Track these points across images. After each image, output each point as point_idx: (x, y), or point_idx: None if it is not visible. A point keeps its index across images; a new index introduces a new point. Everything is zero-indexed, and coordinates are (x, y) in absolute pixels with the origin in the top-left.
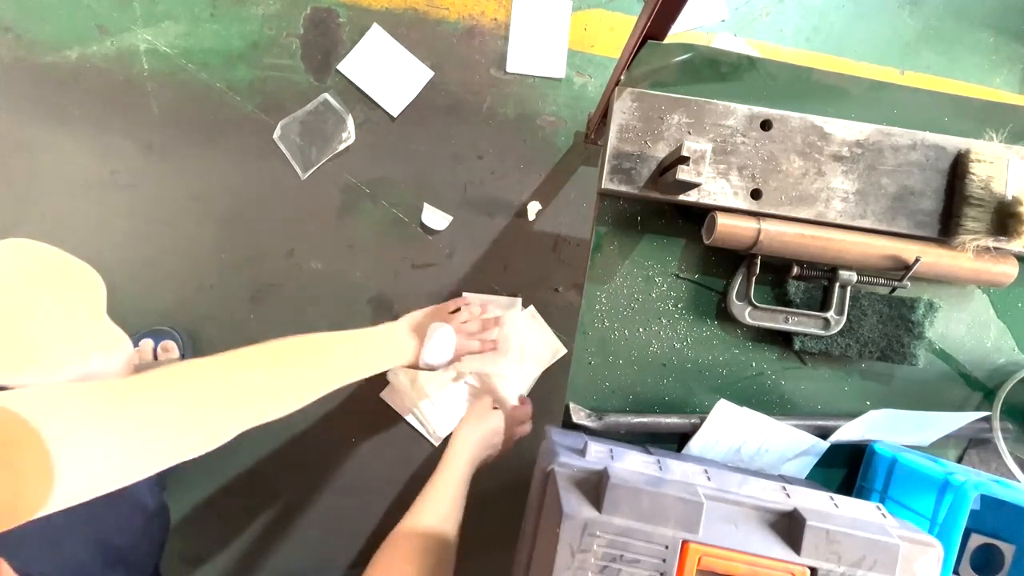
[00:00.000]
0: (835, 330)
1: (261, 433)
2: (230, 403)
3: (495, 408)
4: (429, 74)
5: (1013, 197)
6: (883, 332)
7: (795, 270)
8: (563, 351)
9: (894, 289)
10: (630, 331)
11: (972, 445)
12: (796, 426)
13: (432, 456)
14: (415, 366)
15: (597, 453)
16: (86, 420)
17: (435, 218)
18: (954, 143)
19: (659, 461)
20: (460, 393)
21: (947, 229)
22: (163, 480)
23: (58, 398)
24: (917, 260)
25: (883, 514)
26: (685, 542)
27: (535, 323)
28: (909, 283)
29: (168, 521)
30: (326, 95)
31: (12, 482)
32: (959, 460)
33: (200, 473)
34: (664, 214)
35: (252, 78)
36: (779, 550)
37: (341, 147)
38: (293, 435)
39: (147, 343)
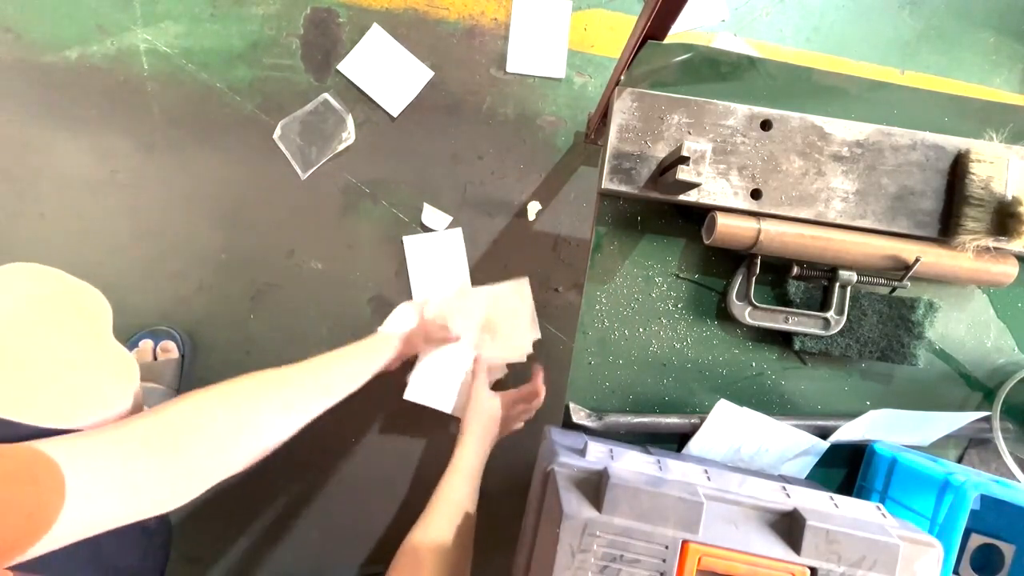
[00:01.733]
0: (835, 330)
1: None
2: (238, 439)
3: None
4: (429, 74)
5: (1013, 197)
6: (883, 332)
7: (795, 270)
8: (537, 334)
9: (894, 289)
10: (630, 331)
11: (972, 445)
12: (796, 426)
13: (432, 454)
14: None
15: (597, 453)
16: (100, 456)
17: (435, 218)
18: (954, 143)
19: (659, 461)
20: (453, 364)
21: (947, 229)
22: None
23: (76, 438)
24: (917, 260)
25: (883, 514)
26: (685, 542)
27: (504, 295)
28: (909, 283)
29: (169, 538)
30: (326, 95)
31: (26, 498)
32: (959, 460)
33: None
34: (664, 214)
35: (252, 78)
36: (779, 550)
37: (341, 147)
38: (293, 435)
39: (147, 343)
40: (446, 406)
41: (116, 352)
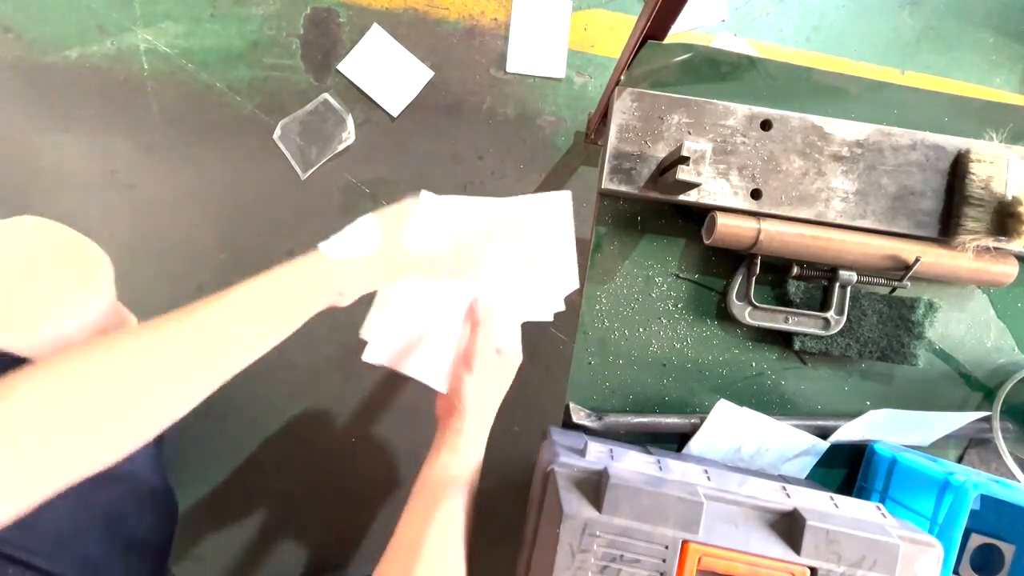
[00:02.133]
0: (835, 330)
1: (261, 432)
2: (102, 429)
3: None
4: (429, 74)
5: (1013, 197)
6: (883, 332)
7: (795, 270)
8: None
9: (894, 289)
10: (630, 331)
11: (972, 445)
12: (796, 426)
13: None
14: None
15: (597, 453)
16: None
17: None
18: (954, 143)
19: (659, 461)
20: (436, 309)
21: (947, 229)
22: (166, 462)
23: None
24: (917, 260)
25: (883, 514)
26: (685, 542)
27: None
28: (909, 283)
29: (176, 505)
30: (326, 95)
31: None
32: (959, 460)
33: (199, 472)
34: (664, 214)
35: (252, 78)
36: (779, 550)
37: (341, 147)
38: (293, 435)
39: None
40: (422, 372)
41: (118, 308)
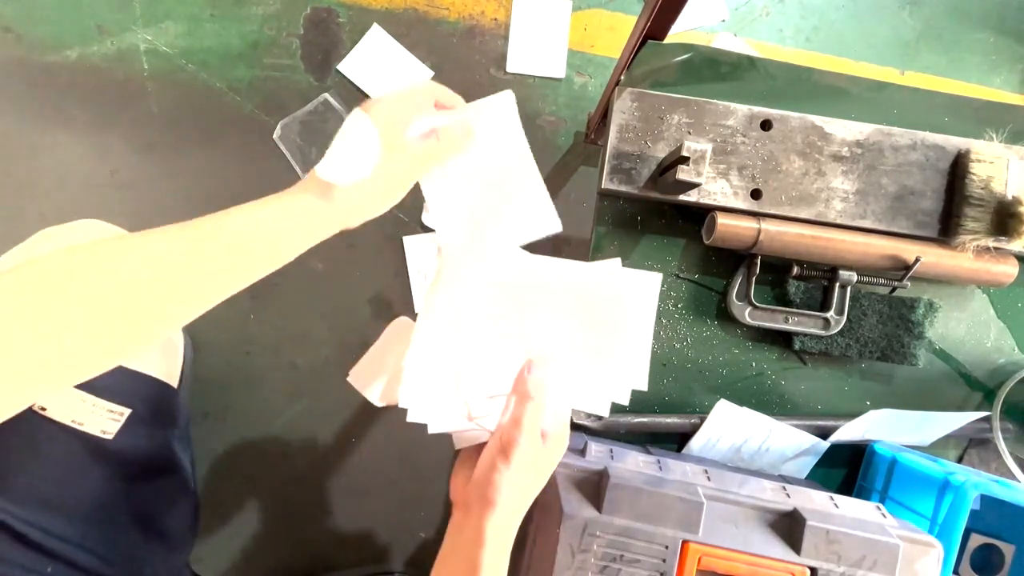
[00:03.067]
0: (835, 330)
1: (260, 433)
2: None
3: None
4: (429, 74)
5: (1013, 197)
6: (883, 332)
7: (795, 270)
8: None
9: (894, 289)
10: None
11: (972, 445)
12: (796, 426)
13: (434, 453)
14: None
15: (597, 453)
16: None
17: None
18: (954, 143)
19: (659, 461)
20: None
21: (947, 229)
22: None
23: None
24: (917, 260)
25: (883, 514)
26: (685, 542)
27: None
28: (909, 283)
29: (199, 506)
30: (326, 95)
31: None
32: (959, 460)
33: (199, 473)
34: (664, 214)
35: (252, 78)
36: (779, 550)
37: None
38: (293, 435)
39: None
40: (449, 424)
41: None
